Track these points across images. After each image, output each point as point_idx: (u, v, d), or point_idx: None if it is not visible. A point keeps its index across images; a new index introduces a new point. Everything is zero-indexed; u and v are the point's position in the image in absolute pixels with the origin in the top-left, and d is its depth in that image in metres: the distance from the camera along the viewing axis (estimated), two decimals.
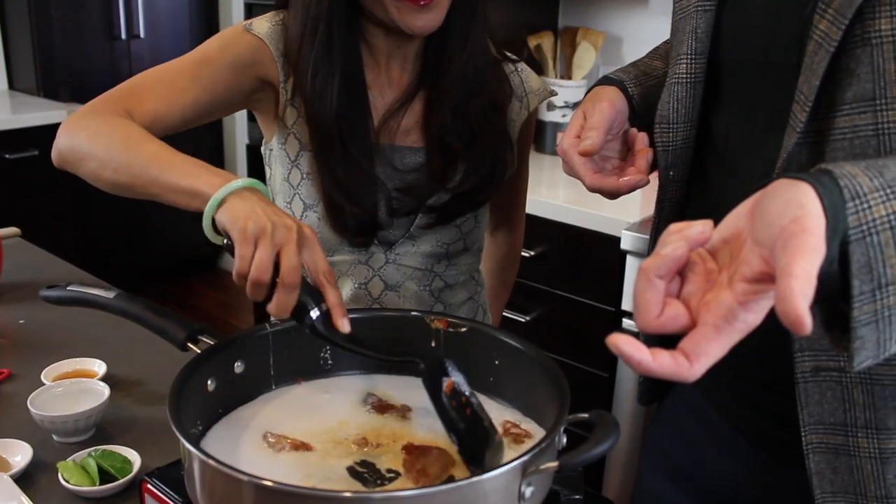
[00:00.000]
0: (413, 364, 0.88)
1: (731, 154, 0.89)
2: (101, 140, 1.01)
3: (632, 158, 0.96)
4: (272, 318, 0.92)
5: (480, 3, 1.15)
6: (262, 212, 0.85)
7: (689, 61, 0.89)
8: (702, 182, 0.94)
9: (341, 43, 1.11)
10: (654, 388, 1.11)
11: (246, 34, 1.14)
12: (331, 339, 0.87)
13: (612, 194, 0.94)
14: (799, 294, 0.50)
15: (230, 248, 0.86)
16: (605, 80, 1.01)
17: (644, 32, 2.68)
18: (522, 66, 1.27)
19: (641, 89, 1.00)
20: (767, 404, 0.90)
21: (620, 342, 0.54)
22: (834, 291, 0.60)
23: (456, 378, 0.86)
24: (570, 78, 2.75)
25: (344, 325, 0.86)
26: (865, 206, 0.58)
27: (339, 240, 1.18)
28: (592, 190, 0.93)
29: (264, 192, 0.92)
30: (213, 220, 0.89)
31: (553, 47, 2.79)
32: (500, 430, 0.90)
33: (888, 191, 0.59)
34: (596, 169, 0.94)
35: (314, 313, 0.85)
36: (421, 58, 1.18)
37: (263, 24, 1.14)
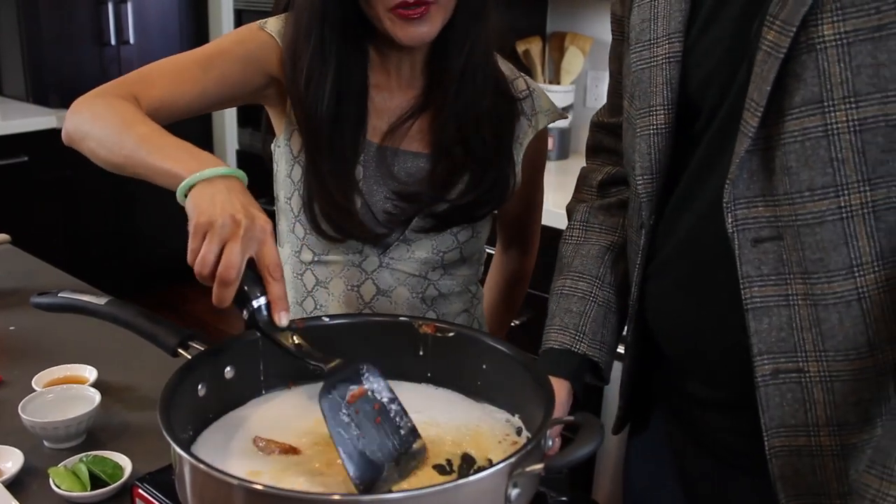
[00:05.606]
0: (319, 370, 0.86)
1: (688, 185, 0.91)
2: (100, 121, 1.03)
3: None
4: None
5: (483, 11, 1.14)
6: (220, 204, 0.85)
7: (665, 112, 0.90)
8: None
9: (337, 47, 1.12)
10: (631, 419, 1.12)
11: (260, 31, 1.17)
12: (265, 331, 0.86)
13: None
14: None
15: None
16: (563, 368, 1.02)
17: None
18: (536, 87, 1.27)
19: (607, 355, 1.03)
20: (726, 414, 0.91)
21: None
22: None
23: (371, 385, 0.86)
24: (558, 83, 2.77)
25: (280, 319, 0.86)
26: None
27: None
28: None
29: (242, 179, 0.91)
30: None
31: (541, 52, 2.81)
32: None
33: None
34: None
35: (255, 303, 0.86)
36: (430, 65, 1.19)
37: (276, 23, 1.18)
